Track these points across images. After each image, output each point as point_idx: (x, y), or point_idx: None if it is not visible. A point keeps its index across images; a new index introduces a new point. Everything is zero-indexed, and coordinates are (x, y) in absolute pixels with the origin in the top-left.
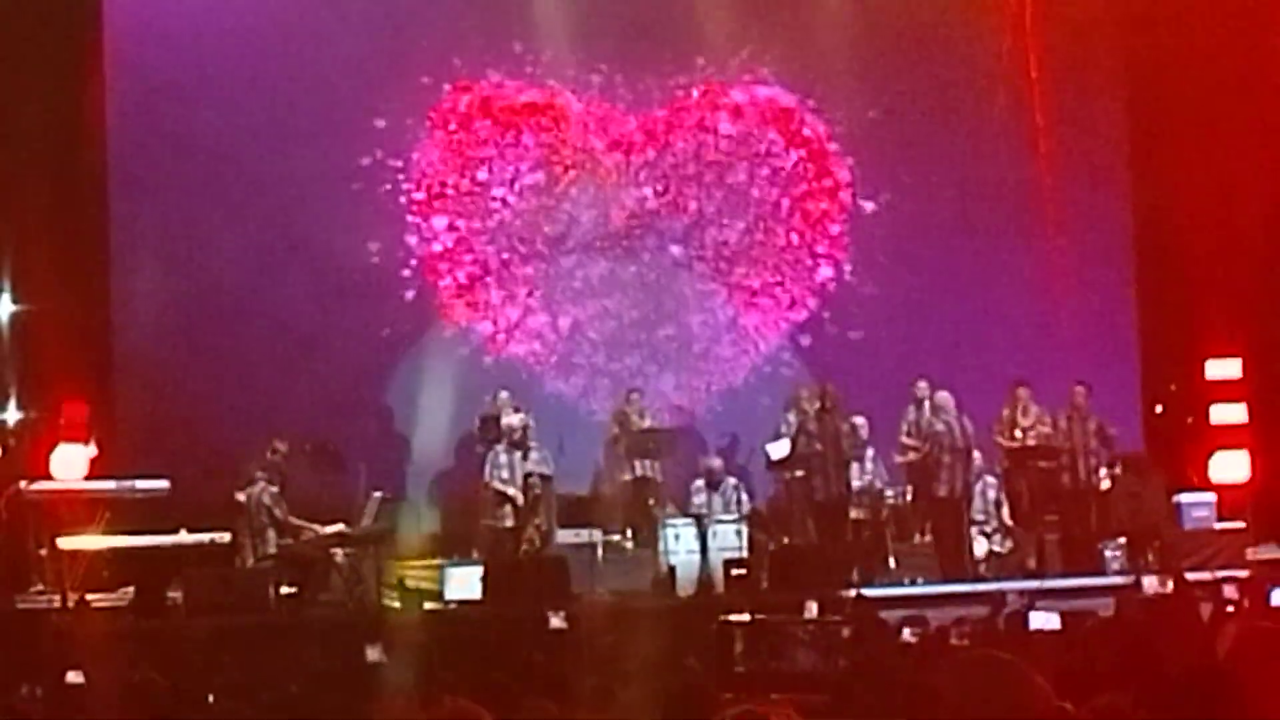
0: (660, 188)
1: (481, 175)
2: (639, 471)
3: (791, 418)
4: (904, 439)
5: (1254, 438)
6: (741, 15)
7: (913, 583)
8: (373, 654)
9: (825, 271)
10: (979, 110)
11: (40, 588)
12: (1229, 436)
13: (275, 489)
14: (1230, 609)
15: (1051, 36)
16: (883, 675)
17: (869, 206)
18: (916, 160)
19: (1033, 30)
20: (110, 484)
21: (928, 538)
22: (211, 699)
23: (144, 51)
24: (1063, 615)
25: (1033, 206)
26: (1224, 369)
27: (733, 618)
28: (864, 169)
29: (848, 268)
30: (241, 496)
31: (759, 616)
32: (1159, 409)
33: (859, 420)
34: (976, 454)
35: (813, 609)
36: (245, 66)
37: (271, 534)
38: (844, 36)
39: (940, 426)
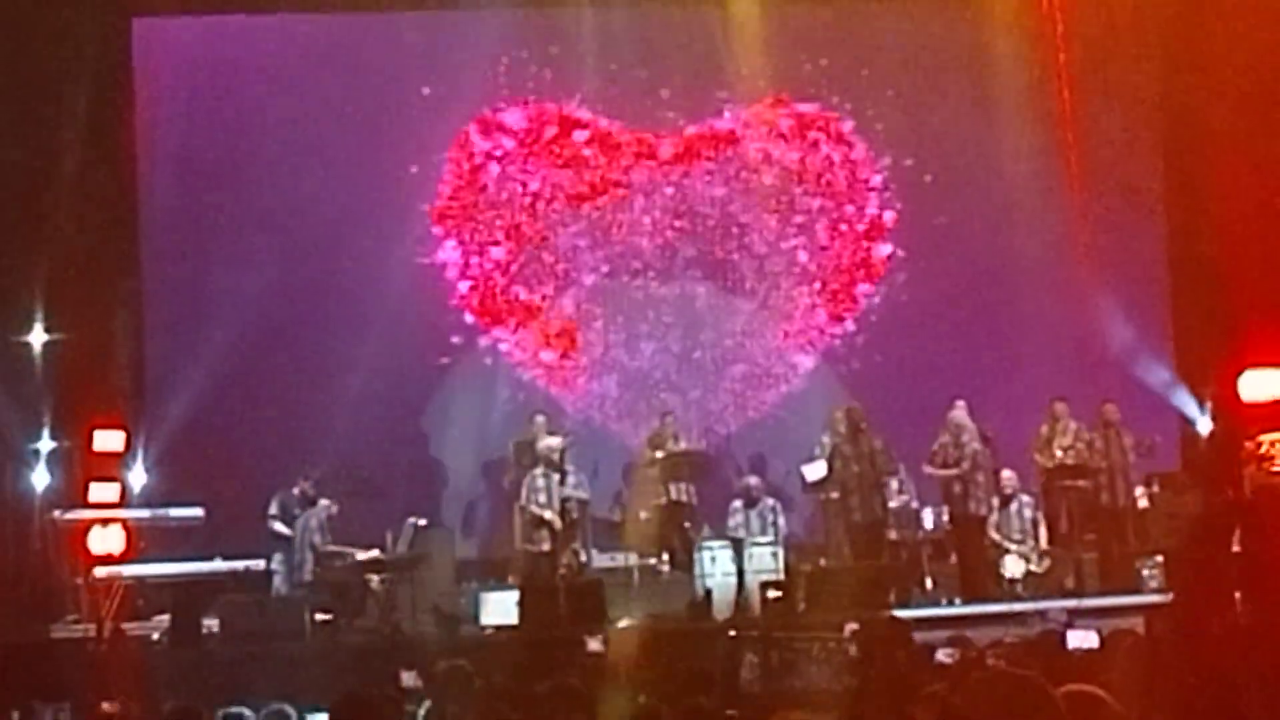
0: (694, 210)
1: (513, 200)
2: (674, 494)
3: (827, 439)
4: (927, 468)
5: None
6: (779, 34)
7: (950, 603)
8: (408, 679)
9: (861, 290)
10: (1014, 129)
11: (75, 617)
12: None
13: (325, 517)
14: None
15: (1083, 55)
16: (893, 693)
17: (900, 223)
18: (953, 179)
19: (1065, 49)
20: (145, 512)
21: None
22: None
23: (176, 81)
24: (1100, 633)
25: (1068, 223)
26: (1260, 388)
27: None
28: (900, 187)
29: (883, 287)
30: (277, 525)
31: (772, 634)
32: (1206, 426)
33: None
34: (1008, 472)
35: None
36: (277, 96)
37: (309, 561)
38: (882, 57)
39: (972, 446)
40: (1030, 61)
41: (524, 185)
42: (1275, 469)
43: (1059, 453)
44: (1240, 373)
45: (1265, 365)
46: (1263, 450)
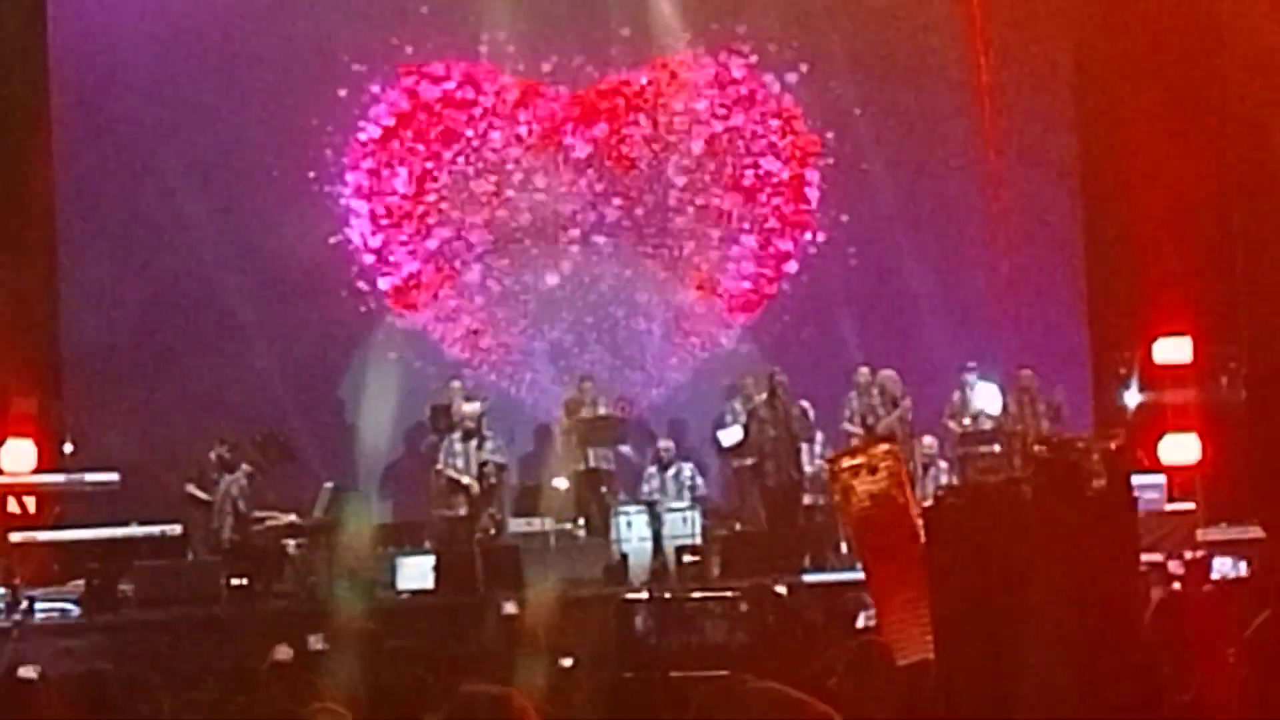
0: (611, 170)
1: (423, 163)
2: (591, 460)
3: (738, 405)
4: (846, 425)
5: (1203, 420)
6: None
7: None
8: (315, 643)
9: (783, 254)
10: (932, 99)
11: None
12: (1178, 419)
13: (246, 481)
14: (1176, 585)
15: (1001, 24)
16: (784, 651)
17: (818, 193)
18: (871, 145)
19: (983, 18)
20: (60, 477)
21: None
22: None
23: (89, 47)
24: None
25: (983, 192)
26: (1173, 352)
27: (633, 596)
28: (820, 153)
29: (798, 254)
30: (193, 489)
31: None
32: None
33: (805, 404)
34: (929, 439)
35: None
36: (191, 63)
37: (227, 526)
38: (804, 19)
39: (891, 414)
40: (949, 29)
41: (435, 147)
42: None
43: (970, 419)
44: (1153, 340)
45: (1175, 331)
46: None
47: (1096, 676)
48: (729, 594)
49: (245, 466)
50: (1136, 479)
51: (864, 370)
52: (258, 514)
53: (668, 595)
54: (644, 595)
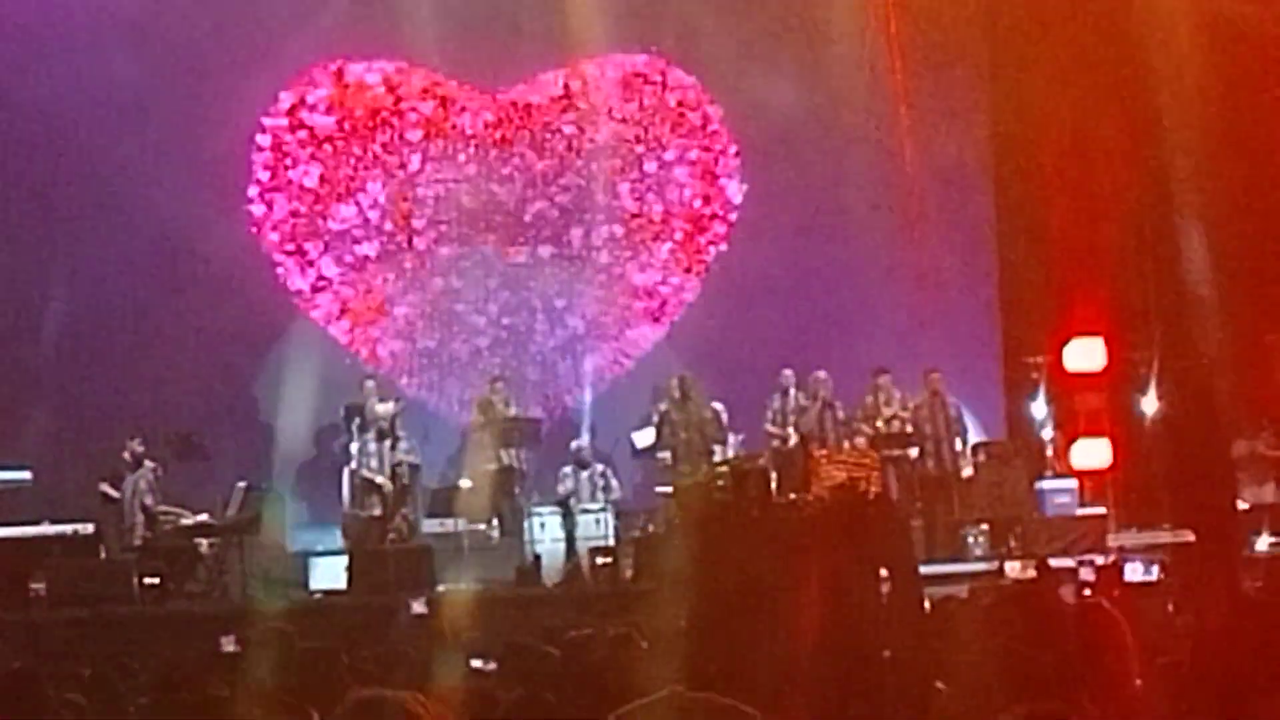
0: (528, 170)
1: (339, 162)
2: (504, 460)
3: (663, 408)
4: (769, 427)
5: (1114, 424)
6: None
7: None
8: (227, 644)
9: (700, 256)
10: (846, 102)
11: None
12: (1090, 423)
13: (153, 478)
14: (1087, 592)
15: (915, 29)
16: None
17: (739, 196)
18: (787, 148)
19: (897, 22)
20: None
21: None
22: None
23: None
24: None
25: (897, 195)
26: (1085, 356)
27: None
28: (737, 155)
29: (717, 257)
30: (106, 488)
31: None
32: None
33: (719, 407)
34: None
35: None
36: (106, 60)
37: (139, 525)
38: (720, 20)
39: (813, 413)
40: (864, 32)
41: (350, 147)
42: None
43: (882, 423)
44: (1065, 344)
45: (1088, 334)
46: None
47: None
48: None
49: (149, 464)
50: (1047, 483)
51: (787, 372)
52: (163, 509)
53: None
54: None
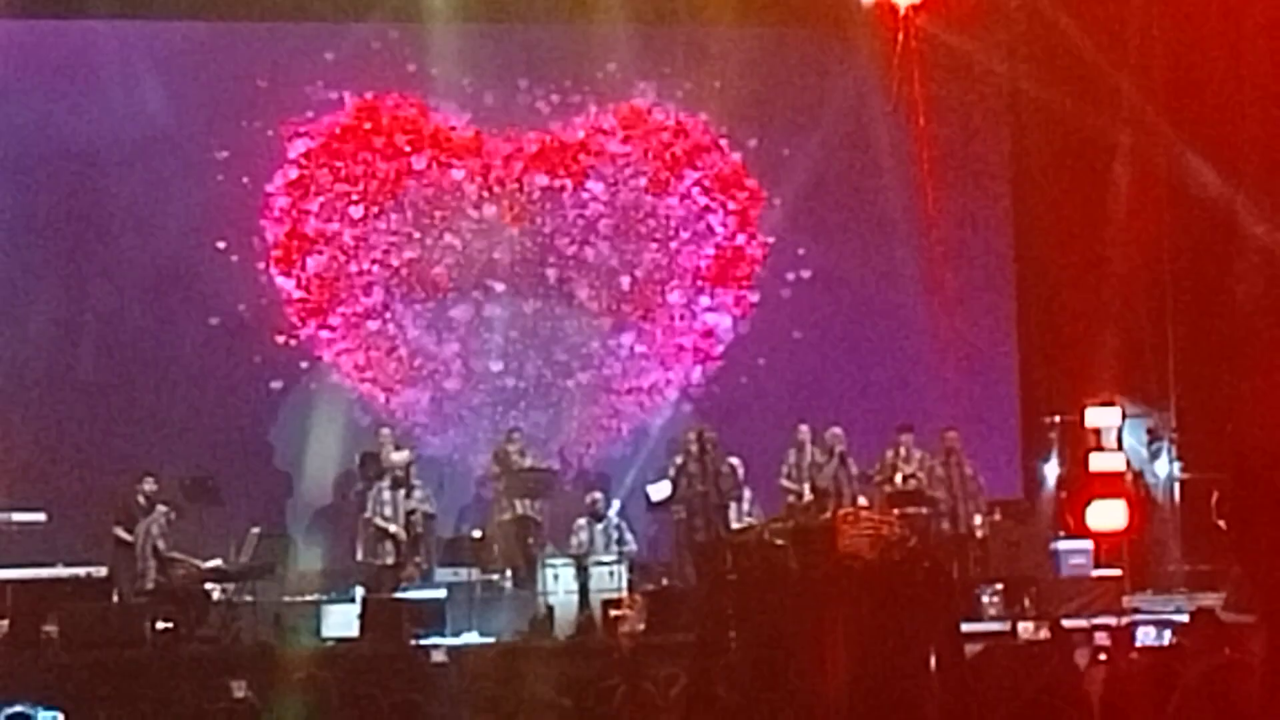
0: (549, 228)
1: (358, 211)
2: (519, 510)
3: (679, 460)
4: (784, 481)
5: (1131, 486)
6: (647, 48)
7: None
8: (237, 690)
9: (723, 312)
10: (867, 157)
11: None
12: (1106, 485)
13: (165, 522)
14: (1102, 656)
15: (938, 85)
16: None
17: (759, 253)
18: (804, 207)
19: (920, 79)
20: None
21: None
22: None
23: (11, 85)
24: None
25: (916, 252)
26: (1103, 419)
27: None
28: (760, 213)
29: (738, 312)
30: (119, 531)
31: None
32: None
33: (735, 461)
34: (862, 500)
35: None
36: (119, 99)
37: (151, 569)
38: (750, 81)
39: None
40: (887, 88)
41: (367, 193)
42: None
43: (899, 479)
44: (1084, 406)
45: (1106, 403)
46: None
47: None
48: None
49: (162, 508)
50: (1063, 544)
51: (803, 427)
52: (174, 555)
53: None
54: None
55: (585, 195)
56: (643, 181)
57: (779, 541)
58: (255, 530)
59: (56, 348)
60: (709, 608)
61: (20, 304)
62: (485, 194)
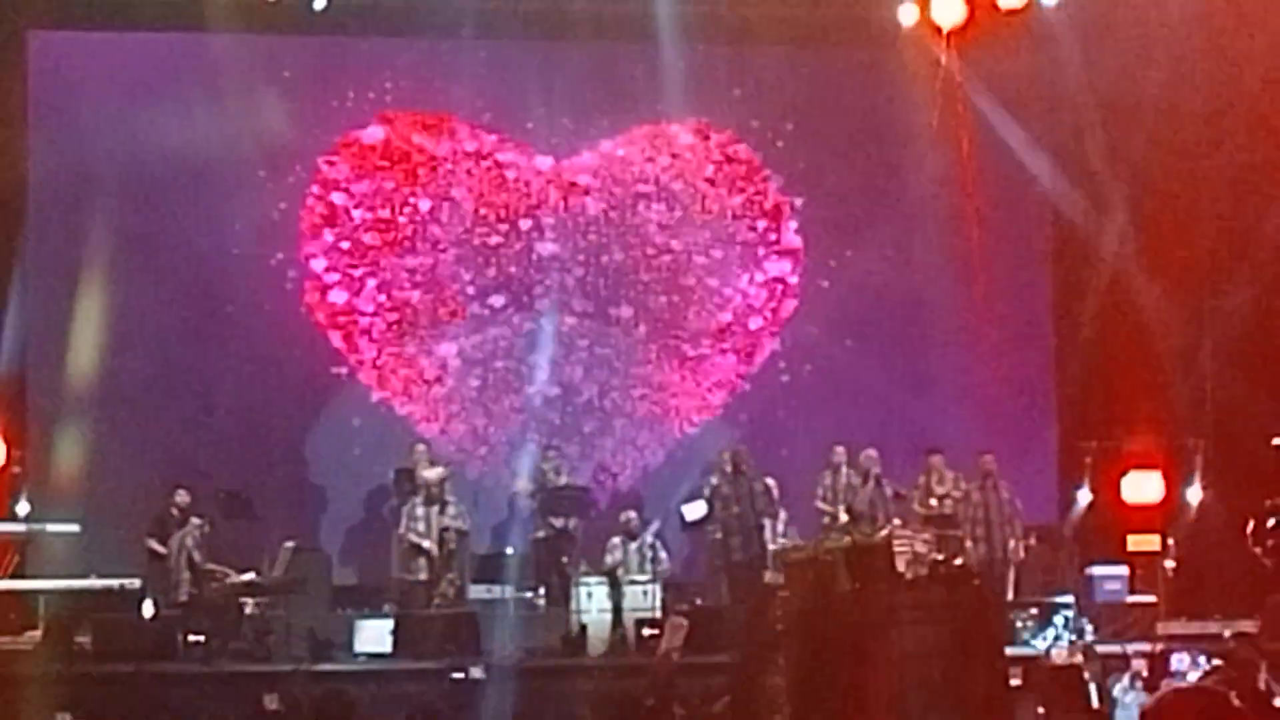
0: (586, 247)
1: (399, 226)
2: (553, 528)
3: (714, 480)
4: (819, 504)
5: (1168, 510)
6: (690, 70)
7: None
8: (270, 702)
9: (761, 334)
10: (911, 183)
11: None
12: (1142, 511)
13: (199, 535)
14: (1140, 683)
15: (980, 116)
16: None
17: (797, 276)
18: (841, 229)
19: (965, 105)
20: (21, 527)
21: None
22: None
23: (69, 97)
24: None
25: (957, 278)
26: (1140, 444)
27: None
28: (789, 235)
29: (776, 333)
30: (153, 543)
31: None
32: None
33: (770, 482)
34: (897, 521)
35: None
36: (171, 113)
37: (185, 581)
38: (794, 104)
39: (864, 491)
40: (928, 116)
41: (403, 209)
42: None
43: (935, 501)
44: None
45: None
46: None
47: None
48: None
49: (196, 520)
50: (1098, 569)
51: (839, 449)
52: (211, 567)
53: None
54: None
55: (627, 215)
56: (683, 203)
57: (832, 559)
58: (289, 544)
59: (99, 361)
60: (752, 627)
61: (65, 320)
62: (524, 211)
